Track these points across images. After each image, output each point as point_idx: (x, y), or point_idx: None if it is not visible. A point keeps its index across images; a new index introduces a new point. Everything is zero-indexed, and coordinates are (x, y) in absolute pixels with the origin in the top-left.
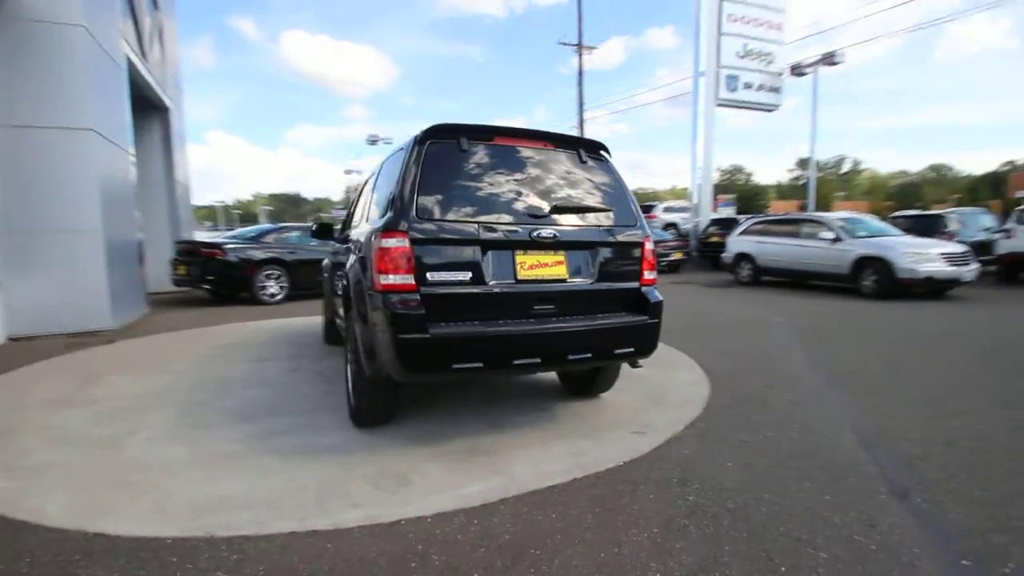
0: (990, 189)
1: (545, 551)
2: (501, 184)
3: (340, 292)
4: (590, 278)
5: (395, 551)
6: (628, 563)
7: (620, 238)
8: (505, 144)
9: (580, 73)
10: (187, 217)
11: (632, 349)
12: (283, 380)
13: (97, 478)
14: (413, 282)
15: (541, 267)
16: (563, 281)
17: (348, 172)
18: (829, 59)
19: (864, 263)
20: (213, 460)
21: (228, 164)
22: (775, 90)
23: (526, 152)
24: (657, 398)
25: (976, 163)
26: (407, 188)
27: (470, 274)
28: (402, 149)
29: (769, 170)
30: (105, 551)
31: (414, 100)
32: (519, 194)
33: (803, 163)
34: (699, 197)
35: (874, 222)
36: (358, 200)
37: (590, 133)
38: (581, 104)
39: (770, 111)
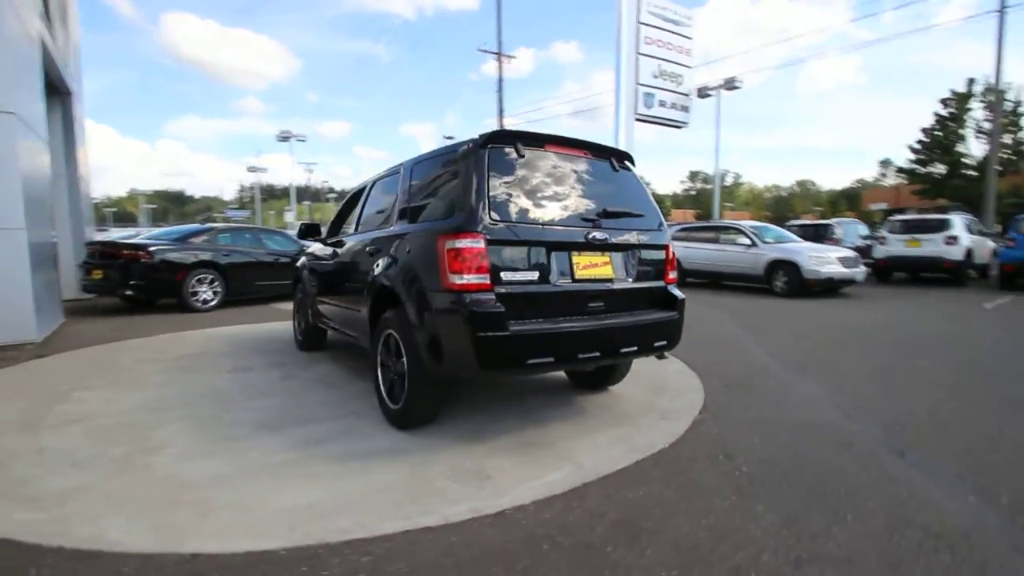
0: (847, 202)
1: (654, 523)
2: (554, 189)
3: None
4: (631, 277)
5: (520, 536)
6: (728, 526)
7: (651, 240)
8: (554, 151)
9: (500, 81)
10: (89, 216)
11: (665, 342)
12: (283, 389)
13: (145, 499)
14: (489, 282)
15: (593, 267)
16: (610, 280)
17: (253, 170)
18: (730, 84)
19: (776, 266)
20: (267, 471)
21: (95, 156)
22: (684, 109)
23: (571, 159)
24: (658, 388)
25: (834, 180)
26: (475, 191)
27: (537, 274)
28: (437, 154)
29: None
30: (220, 569)
31: (319, 97)
32: (569, 198)
33: (693, 175)
34: None
35: (778, 229)
36: (361, 204)
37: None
38: (501, 112)
39: (679, 127)
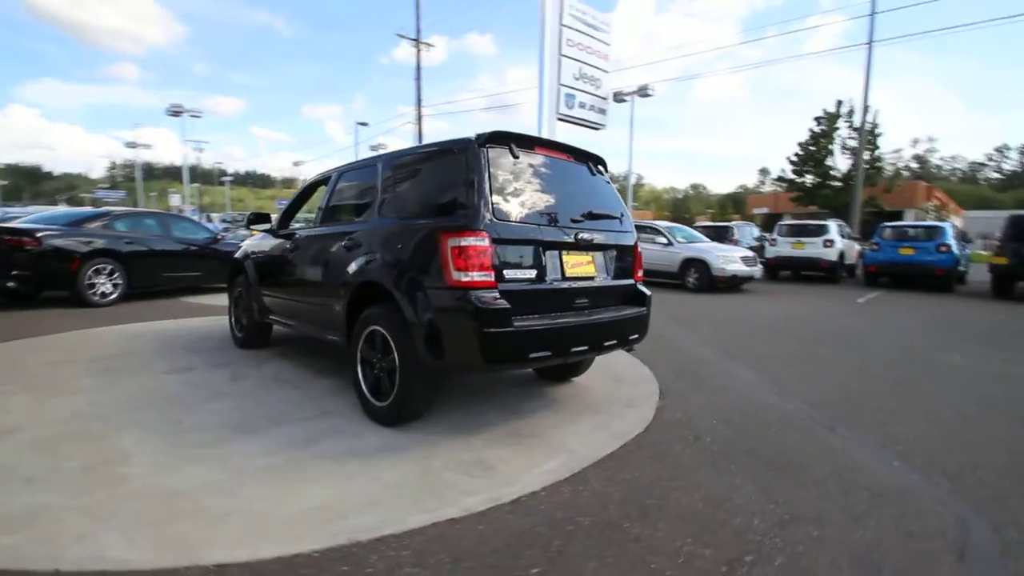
0: (733, 206)
1: (656, 500)
2: (544, 190)
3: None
4: (609, 275)
5: (542, 520)
6: (718, 496)
7: (624, 241)
8: (542, 153)
9: (418, 69)
10: None
11: (638, 335)
12: (237, 390)
13: (133, 512)
14: (494, 279)
15: (579, 266)
16: (592, 278)
17: (132, 146)
18: (643, 91)
19: (689, 263)
20: (261, 475)
21: None
22: (602, 111)
23: (556, 162)
24: (616, 378)
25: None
26: (478, 190)
27: (535, 272)
28: (422, 149)
29: None
30: None
31: (208, 68)
32: (558, 200)
33: None
34: None
35: (688, 229)
36: (327, 196)
37: (410, 129)
38: (419, 100)
39: (597, 129)
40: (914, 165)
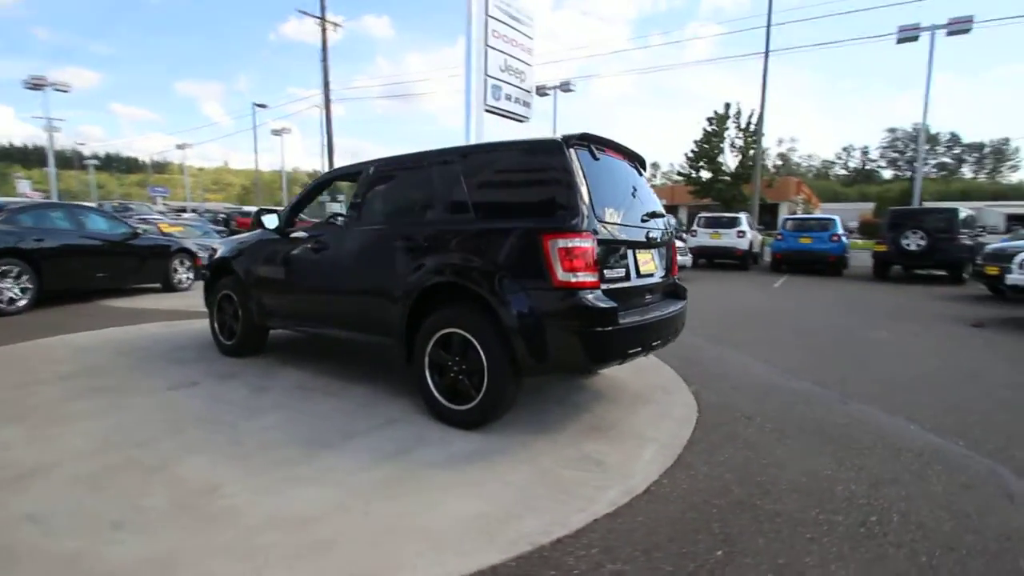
0: None
1: (765, 476)
2: (615, 190)
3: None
4: (662, 272)
5: (686, 507)
6: (808, 468)
7: (667, 238)
8: (609, 154)
9: (324, 48)
10: None
11: (682, 327)
12: (272, 403)
13: (286, 547)
14: (598, 279)
15: (647, 264)
16: (653, 275)
17: None
18: (566, 87)
19: None
20: (383, 489)
21: None
22: (527, 104)
23: (617, 162)
24: (632, 367)
25: None
26: (578, 190)
27: (624, 270)
28: (499, 147)
29: None
30: None
31: (51, 34)
32: (627, 199)
33: None
34: None
35: None
36: (362, 192)
37: (305, 113)
38: (327, 83)
39: (522, 122)
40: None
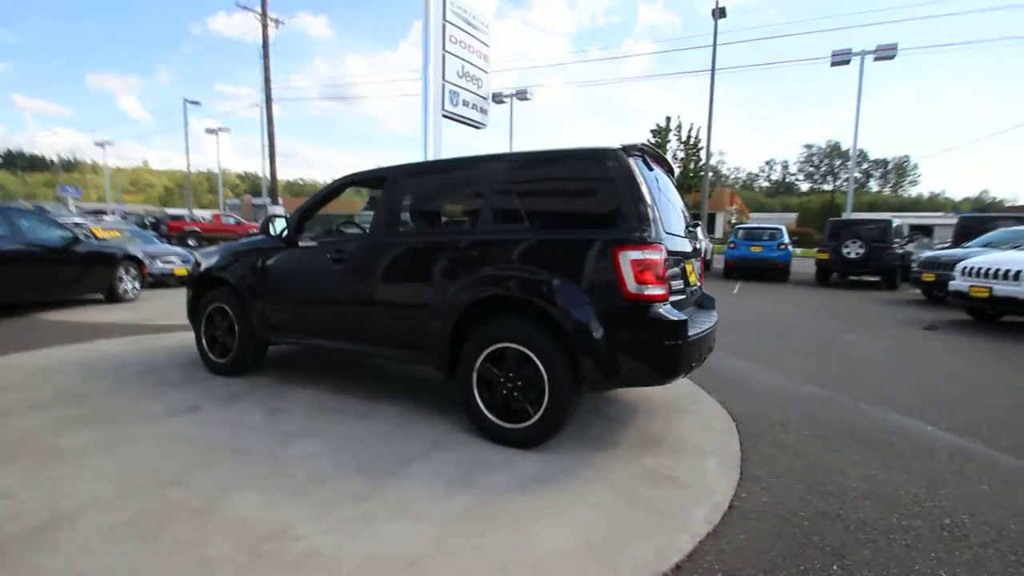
0: None
1: (831, 484)
2: (665, 201)
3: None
4: (699, 281)
5: (780, 520)
6: (868, 474)
7: (702, 248)
8: (655, 164)
9: (265, 45)
10: None
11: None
12: (299, 428)
13: None
14: (667, 291)
15: (692, 274)
16: (695, 286)
17: None
18: (523, 95)
19: None
20: (470, 520)
21: None
22: (484, 111)
23: (660, 173)
24: None
25: None
26: (645, 201)
27: (682, 282)
28: (555, 157)
29: None
30: None
31: None
32: (673, 210)
33: None
34: None
35: None
36: (389, 200)
37: (236, 113)
38: (268, 81)
39: (478, 128)
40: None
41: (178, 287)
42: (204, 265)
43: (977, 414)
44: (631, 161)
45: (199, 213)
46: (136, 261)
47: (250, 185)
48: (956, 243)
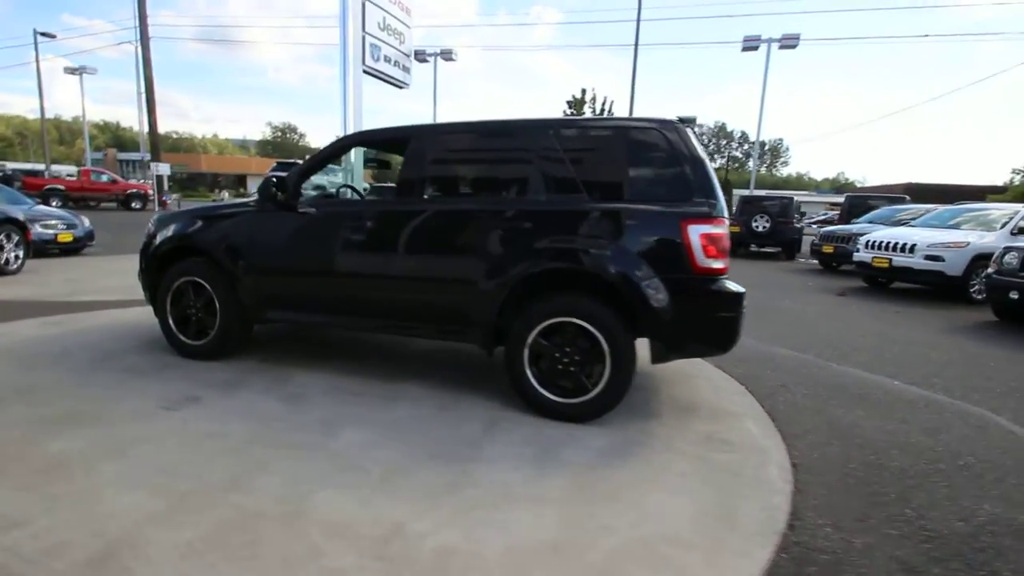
0: None
1: (860, 435)
2: None
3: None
4: None
5: (839, 473)
6: (903, 431)
7: None
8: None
9: None
10: None
11: None
12: (335, 414)
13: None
14: (727, 265)
15: None
16: None
17: None
18: (447, 55)
19: None
20: (582, 499)
21: None
22: (406, 69)
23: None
24: None
25: None
26: (710, 174)
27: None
28: (608, 124)
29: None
30: None
31: None
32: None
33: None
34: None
35: None
36: (417, 164)
37: (85, 47)
38: (143, 17)
39: (401, 87)
40: None
41: (61, 256)
42: (172, 231)
43: (924, 369)
44: (690, 132)
45: (57, 168)
46: (18, 225)
47: (112, 137)
48: (845, 220)
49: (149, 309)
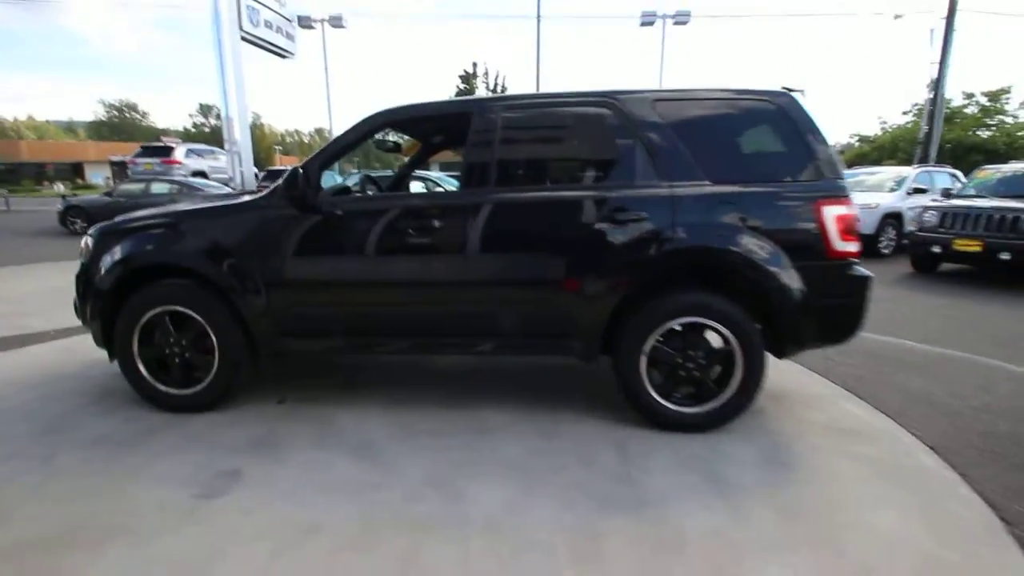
0: None
1: (929, 399)
2: None
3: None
4: None
5: (964, 444)
6: (920, 384)
7: None
8: None
9: None
10: None
11: None
12: (433, 474)
13: None
14: (860, 248)
15: None
16: None
17: None
18: (337, 22)
19: None
20: (800, 520)
21: None
22: (290, 36)
23: None
24: None
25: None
26: (830, 147)
27: None
28: (713, 96)
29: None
30: None
31: None
32: None
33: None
34: (230, 135)
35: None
36: (491, 148)
37: None
38: None
39: (285, 57)
40: None
41: None
42: (122, 250)
43: (926, 328)
44: (804, 103)
45: None
46: None
47: None
48: None
49: (80, 337)
